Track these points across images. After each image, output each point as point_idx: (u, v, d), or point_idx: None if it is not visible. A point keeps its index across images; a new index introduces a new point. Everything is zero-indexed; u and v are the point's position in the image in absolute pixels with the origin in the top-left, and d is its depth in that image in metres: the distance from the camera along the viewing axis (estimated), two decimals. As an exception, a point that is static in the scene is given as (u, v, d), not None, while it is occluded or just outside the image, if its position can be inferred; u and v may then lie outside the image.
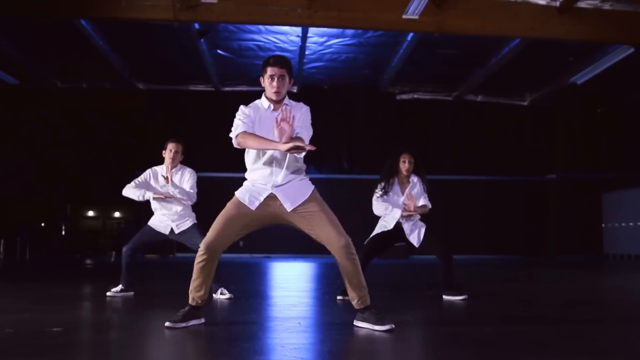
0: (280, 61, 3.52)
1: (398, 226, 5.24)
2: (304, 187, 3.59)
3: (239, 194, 3.60)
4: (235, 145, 3.55)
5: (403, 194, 5.24)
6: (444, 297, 5.21)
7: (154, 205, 5.36)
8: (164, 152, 5.44)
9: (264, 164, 3.57)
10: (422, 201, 5.30)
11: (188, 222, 5.40)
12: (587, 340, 3.33)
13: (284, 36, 12.61)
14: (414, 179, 5.31)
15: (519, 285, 7.40)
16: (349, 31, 12.21)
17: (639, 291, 6.89)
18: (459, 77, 15.16)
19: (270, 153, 3.52)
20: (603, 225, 16.83)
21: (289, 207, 3.51)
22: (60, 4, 10.26)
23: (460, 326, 3.83)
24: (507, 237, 16.46)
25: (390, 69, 14.43)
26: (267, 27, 12.10)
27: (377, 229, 5.29)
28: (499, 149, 16.75)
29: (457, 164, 16.61)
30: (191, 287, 3.49)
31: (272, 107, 3.59)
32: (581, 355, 2.89)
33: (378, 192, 5.26)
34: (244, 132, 3.47)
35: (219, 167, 16.13)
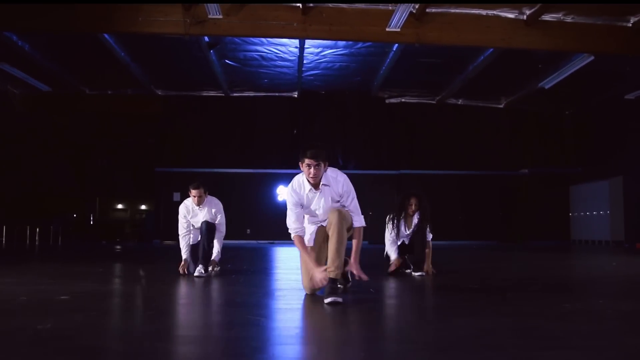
0: (316, 154, 3.66)
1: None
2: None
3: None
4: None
5: (408, 229, 5.70)
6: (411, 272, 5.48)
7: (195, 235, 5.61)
8: (189, 192, 5.55)
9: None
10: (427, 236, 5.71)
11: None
12: (509, 306, 3.47)
13: (284, 47, 12.73)
14: (416, 217, 5.73)
15: (486, 265, 7.53)
16: (341, 42, 12.32)
17: (583, 267, 7.01)
18: (441, 83, 15.25)
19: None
20: (570, 214, 16.89)
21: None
22: (84, 21, 10.40)
23: (413, 297, 3.97)
24: (485, 225, 16.57)
25: (379, 76, 14.53)
26: (269, 39, 12.21)
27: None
28: (478, 147, 16.87)
29: (440, 160, 16.72)
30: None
31: (313, 189, 3.78)
32: (498, 317, 3.02)
33: (389, 230, 5.69)
34: (297, 236, 3.79)
35: (229, 164, 16.33)
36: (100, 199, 17.40)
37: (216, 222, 5.66)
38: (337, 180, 3.85)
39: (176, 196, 16.12)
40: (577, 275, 6.11)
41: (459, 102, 16.79)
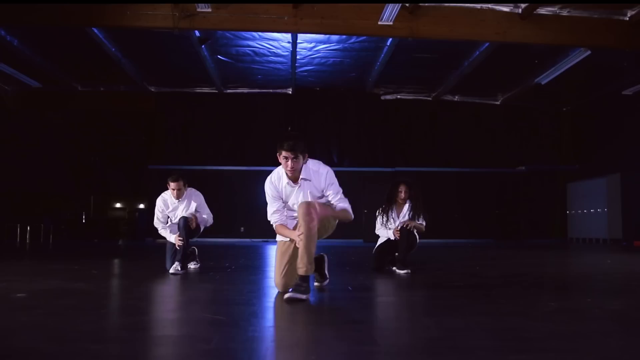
0: (293, 146, 3.51)
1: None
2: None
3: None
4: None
5: (399, 217, 5.59)
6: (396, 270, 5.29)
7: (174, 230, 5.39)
8: (168, 185, 5.37)
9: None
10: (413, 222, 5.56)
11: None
12: (490, 304, 3.26)
13: (276, 42, 12.51)
14: (407, 205, 5.62)
15: (476, 262, 7.32)
16: (334, 37, 12.11)
17: (577, 265, 6.80)
18: (437, 78, 15.02)
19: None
20: (567, 211, 16.66)
21: None
22: (72, 15, 10.19)
23: (390, 294, 3.77)
24: (482, 223, 16.35)
25: (374, 72, 14.31)
26: (261, 34, 12.00)
27: (382, 239, 5.66)
28: (474, 144, 16.66)
29: (436, 157, 16.51)
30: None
31: (291, 183, 3.65)
32: (474, 317, 2.82)
33: (379, 218, 5.63)
34: (279, 225, 3.71)
35: (223, 161, 16.12)
36: (93, 197, 17.18)
37: (202, 216, 5.47)
38: (319, 173, 3.67)
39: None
40: (570, 272, 5.90)
41: (455, 99, 16.56)
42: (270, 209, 3.72)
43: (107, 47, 12.35)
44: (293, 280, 3.42)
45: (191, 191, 5.53)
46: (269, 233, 14.48)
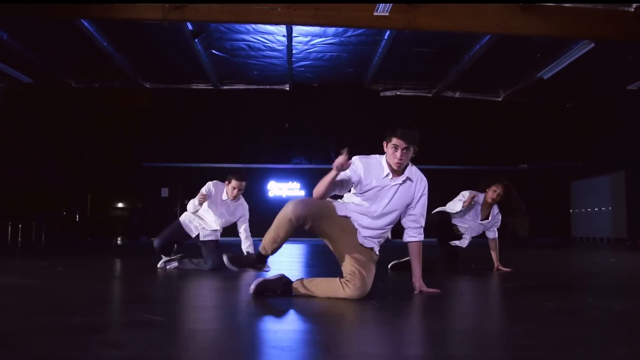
0: (408, 134, 3.05)
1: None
2: None
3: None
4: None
5: (478, 218, 5.09)
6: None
7: (200, 212, 5.02)
8: (227, 183, 4.96)
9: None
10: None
11: (212, 237, 5.08)
12: (479, 305, 2.91)
13: (271, 36, 12.16)
14: (496, 210, 5.14)
15: (472, 261, 6.95)
16: (330, 30, 11.76)
17: (579, 264, 6.43)
18: (436, 74, 14.64)
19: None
20: (571, 210, 16.25)
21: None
22: (59, 6, 9.88)
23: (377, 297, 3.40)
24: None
25: (372, 67, 13.95)
26: (255, 27, 11.67)
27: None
28: (475, 141, 16.28)
29: (437, 155, 16.08)
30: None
31: (390, 175, 3.13)
32: (457, 320, 2.48)
33: (461, 203, 5.04)
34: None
35: (219, 159, 15.77)
36: (87, 195, 16.89)
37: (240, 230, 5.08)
38: (421, 179, 3.22)
39: (164, 192, 15.62)
40: (570, 271, 5.53)
41: (456, 95, 16.19)
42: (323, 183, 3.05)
43: (98, 41, 12.04)
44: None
45: (242, 199, 5.12)
46: (266, 231, 14.22)
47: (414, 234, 3.27)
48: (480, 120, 16.36)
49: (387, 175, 3.13)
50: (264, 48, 12.89)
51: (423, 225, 3.27)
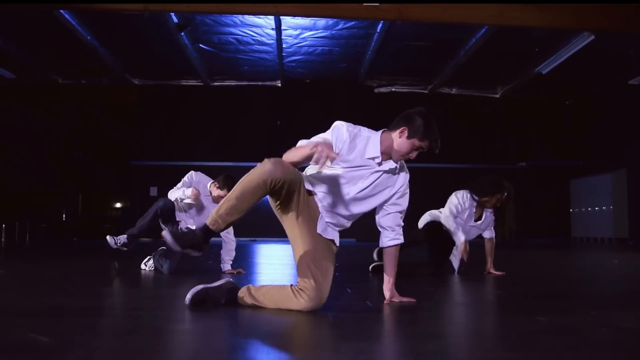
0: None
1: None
2: None
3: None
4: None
5: (472, 219, 4.63)
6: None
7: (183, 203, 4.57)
8: (216, 185, 4.60)
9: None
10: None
11: None
12: (452, 319, 2.41)
13: (260, 29, 11.66)
14: (488, 213, 4.69)
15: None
16: (320, 23, 11.26)
17: (579, 267, 5.92)
18: (432, 69, 14.12)
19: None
20: (571, 210, 15.72)
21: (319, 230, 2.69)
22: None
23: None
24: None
25: (366, 62, 13.44)
26: (243, 20, 11.18)
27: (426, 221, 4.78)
28: (472, 139, 15.79)
29: (432, 155, 15.59)
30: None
31: (380, 158, 2.71)
32: (418, 340, 1.97)
33: (456, 204, 4.64)
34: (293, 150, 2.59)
35: (209, 157, 15.28)
36: (75, 194, 16.40)
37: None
38: (406, 174, 2.83)
39: (153, 191, 15.13)
40: (570, 276, 5.02)
41: (453, 92, 15.68)
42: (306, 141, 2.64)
43: (82, 35, 11.55)
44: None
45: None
46: (257, 232, 13.58)
47: (394, 236, 2.80)
48: (477, 117, 15.87)
49: (376, 158, 2.67)
50: (253, 42, 12.40)
51: (403, 224, 2.82)
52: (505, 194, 4.50)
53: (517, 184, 15.98)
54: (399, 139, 2.72)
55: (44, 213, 15.40)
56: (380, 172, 2.70)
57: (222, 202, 2.47)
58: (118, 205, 16.32)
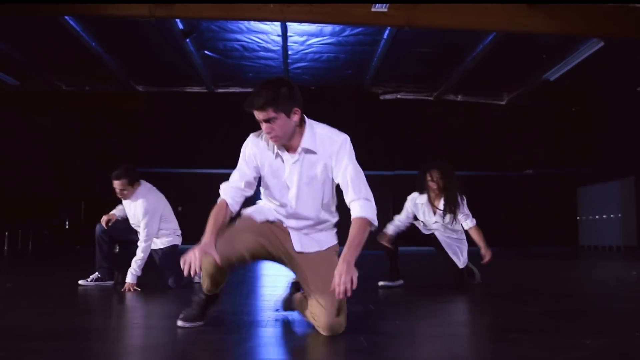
0: (254, 103, 2.31)
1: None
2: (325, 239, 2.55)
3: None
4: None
5: (434, 213, 4.54)
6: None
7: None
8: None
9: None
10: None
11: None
12: (495, 344, 2.25)
13: (266, 35, 11.55)
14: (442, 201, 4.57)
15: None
16: (327, 30, 11.14)
17: (596, 279, 5.75)
18: (438, 76, 13.99)
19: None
20: (578, 217, 15.55)
21: (297, 248, 2.46)
22: (40, 5, 9.26)
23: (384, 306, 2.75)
24: (487, 230, 15.16)
25: (372, 69, 13.32)
26: (249, 27, 11.07)
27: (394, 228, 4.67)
28: (478, 146, 15.62)
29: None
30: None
31: (284, 153, 2.45)
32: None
33: (406, 212, 4.67)
34: (222, 201, 2.53)
35: (213, 164, 15.13)
36: (78, 202, 16.23)
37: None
38: (332, 140, 2.45)
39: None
40: (594, 291, 4.84)
41: (458, 98, 15.54)
42: (233, 176, 2.54)
43: (86, 41, 11.43)
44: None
45: (138, 197, 4.44)
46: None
47: (357, 208, 2.41)
48: (483, 124, 15.72)
49: (278, 152, 2.43)
50: (259, 48, 12.28)
51: (368, 195, 2.45)
52: (432, 169, 4.44)
53: (524, 191, 15.94)
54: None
55: (47, 220, 15.22)
56: (297, 164, 2.43)
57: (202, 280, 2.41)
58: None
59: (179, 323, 2.42)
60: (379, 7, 9.06)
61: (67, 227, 15.13)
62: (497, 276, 5.77)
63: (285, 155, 2.43)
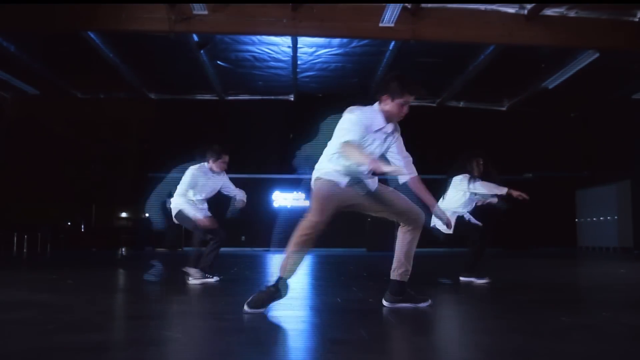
0: (420, 90, 3.35)
1: None
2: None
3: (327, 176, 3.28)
4: (338, 151, 3.23)
5: None
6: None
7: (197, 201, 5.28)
8: (220, 160, 5.46)
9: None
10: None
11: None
12: (492, 320, 2.89)
13: (276, 47, 12.20)
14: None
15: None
16: (335, 41, 11.79)
17: (588, 275, 6.39)
18: (441, 84, 14.64)
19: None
20: (576, 219, 16.19)
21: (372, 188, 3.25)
22: (66, 19, 9.95)
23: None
24: (488, 231, 15.85)
25: (377, 78, 13.95)
26: (260, 38, 11.71)
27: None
28: (480, 151, 16.19)
29: (441, 164, 16.01)
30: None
31: (387, 124, 3.32)
32: (472, 334, 2.46)
33: (465, 189, 5.33)
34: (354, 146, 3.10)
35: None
36: (94, 206, 16.90)
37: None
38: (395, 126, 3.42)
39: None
40: (582, 283, 5.50)
41: (460, 105, 16.19)
42: (351, 135, 3.14)
43: (104, 52, 12.09)
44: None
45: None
46: (270, 242, 13.82)
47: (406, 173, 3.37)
48: (484, 130, 16.33)
49: (386, 126, 3.28)
50: (269, 59, 12.93)
51: (410, 159, 3.46)
52: (476, 156, 5.28)
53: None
54: (387, 107, 3.26)
55: (63, 224, 15.87)
56: (386, 135, 3.30)
57: (285, 259, 3.05)
58: (134, 216, 16.78)
59: (245, 309, 3.03)
60: (386, 22, 9.70)
61: (82, 230, 15.77)
62: (497, 274, 6.41)
63: (387, 127, 3.31)
